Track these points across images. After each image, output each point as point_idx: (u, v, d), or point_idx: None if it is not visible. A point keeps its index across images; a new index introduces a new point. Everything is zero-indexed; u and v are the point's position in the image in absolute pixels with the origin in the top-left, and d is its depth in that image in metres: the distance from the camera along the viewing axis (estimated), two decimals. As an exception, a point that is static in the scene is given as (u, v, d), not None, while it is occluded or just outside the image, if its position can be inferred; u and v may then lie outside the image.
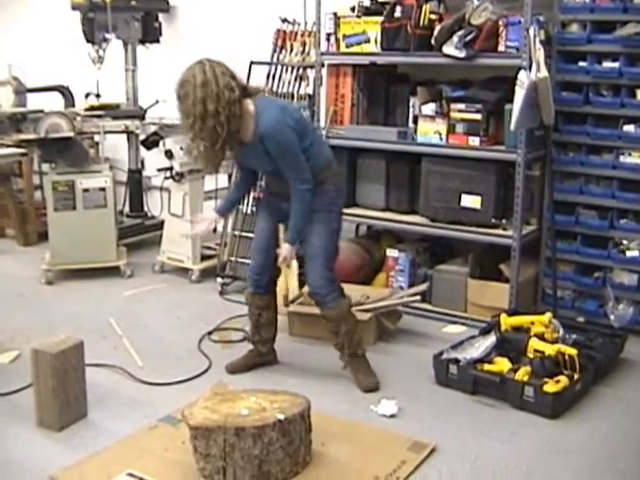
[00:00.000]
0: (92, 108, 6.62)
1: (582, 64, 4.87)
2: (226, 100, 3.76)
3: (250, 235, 5.78)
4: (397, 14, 5.11)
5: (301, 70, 5.76)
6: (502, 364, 4.12)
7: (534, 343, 4.16)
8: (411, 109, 5.34)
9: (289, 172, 3.93)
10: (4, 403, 4.00)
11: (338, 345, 4.27)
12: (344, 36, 5.40)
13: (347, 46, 5.40)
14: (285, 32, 5.89)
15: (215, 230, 4.43)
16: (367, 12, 5.36)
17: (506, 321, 4.44)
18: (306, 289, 5.21)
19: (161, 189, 6.89)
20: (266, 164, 3.99)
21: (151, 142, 6.21)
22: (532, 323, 4.39)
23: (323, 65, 5.58)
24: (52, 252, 5.99)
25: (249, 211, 5.81)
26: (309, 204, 3.96)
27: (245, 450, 3.18)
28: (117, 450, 3.53)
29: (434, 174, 5.18)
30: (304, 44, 5.78)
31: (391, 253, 5.47)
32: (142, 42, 6.82)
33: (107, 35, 6.49)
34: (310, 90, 5.71)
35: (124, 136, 6.84)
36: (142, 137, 6.39)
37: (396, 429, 3.74)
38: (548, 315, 4.41)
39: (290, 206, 3.98)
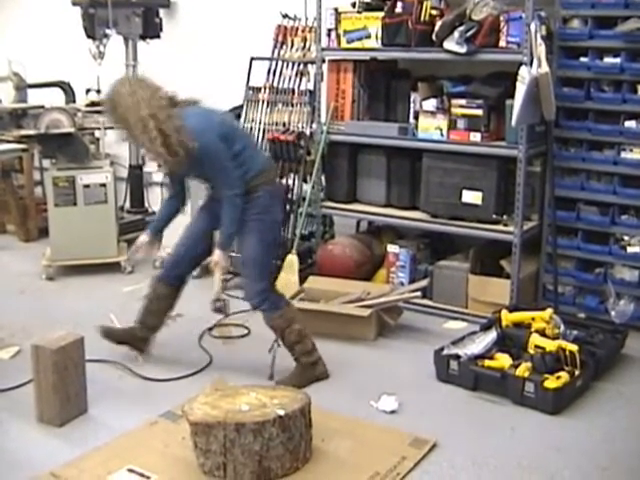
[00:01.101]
0: (93, 104, 6.61)
1: (583, 60, 4.86)
2: (156, 107, 3.79)
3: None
4: (398, 9, 5.10)
5: (302, 66, 5.76)
6: (503, 360, 4.12)
7: (535, 339, 4.15)
8: (412, 105, 5.34)
9: (217, 178, 3.96)
10: (4, 399, 4.00)
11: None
12: (345, 32, 5.39)
13: (348, 42, 5.39)
14: (286, 28, 5.89)
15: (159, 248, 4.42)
16: (368, 7, 5.35)
17: (507, 317, 4.43)
18: (308, 285, 5.24)
19: (162, 185, 6.90)
20: (197, 171, 4.03)
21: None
22: (533, 319, 4.39)
23: (324, 61, 5.57)
24: (53, 248, 5.98)
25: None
26: (239, 210, 3.95)
27: (245, 446, 3.18)
28: (117, 446, 3.53)
29: (435, 170, 5.18)
30: (305, 40, 5.78)
31: (392, 249, 5.46)
32: (143, 38, 6.81)
33: (108, 31, 6.48)
34: (311, 86, 5.71)
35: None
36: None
37: (397, 425, 3.74)
38: (549, 311, 4.40)
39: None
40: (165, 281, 4.36)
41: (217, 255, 4.03)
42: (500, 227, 4.99)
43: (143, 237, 4.32)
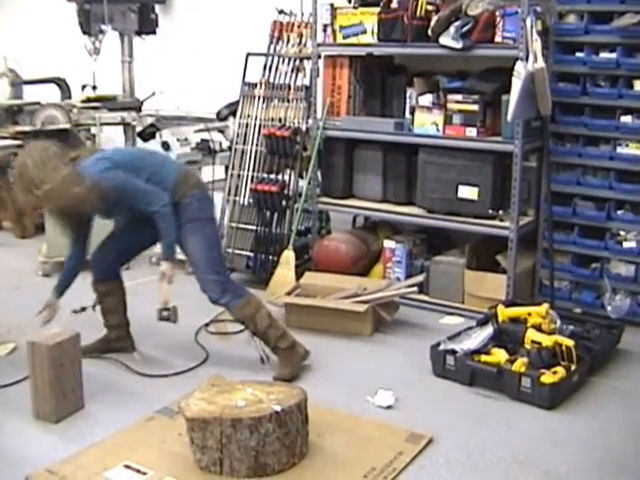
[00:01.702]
0: (88, 100, 6.61)
1: (579, 55, 4.86)
2: (60, 179, 3.81)
3: (248, 227, 5.81)
4: (394, 5, 5.09)
5: (298, 61, 5.75)
6: (499, 355, 4.12)
7: (531, 334, 4.15)
8: (408, 100, 5.33)
9: (141, 204, 3.98)
10: (0, 395, 4.00)
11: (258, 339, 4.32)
12: (341, 27, 5.38)
13: (344, 37, 5.38)
14: (282, 23, 5.88)
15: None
16: (364, 3, 5.34)
17: (503, 312, 4.44)
18: (304, 280, 5.25)
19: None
20: (118, 210, 4.12)
21: (148, 134, 6.21)
22: (529, 314, 4.39)
23: (320, 56, 5.57)
24: (49, 244, 5.97)
25: (246, 203, 5.82)
26: (171, 218, 4.00)
27: (242, 441, 3.18)
28: (114, 442, 3.53)
29: (431, 165, 5.18)
30: (301, 35, 5.77)
31: (388, 244, 5.46)
32: (138, 34, 6.80)
33: (103, 27, 6.47)
34: (307, 81, 5.70)
35: (121, 128, 6.82)
36: (139, 129, 6.38)
37: (393, 420, 3.74)
38: (545, 306, 4.40)
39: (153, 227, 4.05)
40: (99, 278, 4.42)
41: (164, 266, 4.07)
42: (496, 222, 4.99)
43: (49, 301, 4.33)
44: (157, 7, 6.94)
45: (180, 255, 4.21)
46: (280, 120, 5.77)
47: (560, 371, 3.92)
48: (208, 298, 4.19)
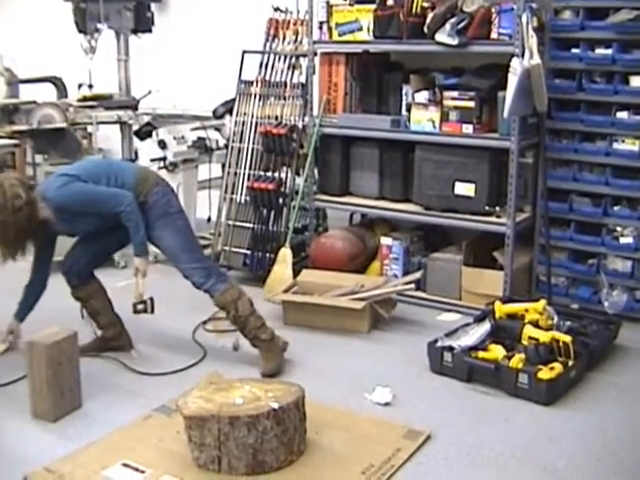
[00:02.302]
0: (85, 99, 6.60)
1: (575, 51, 4.87)
2: (14, 209, 3.88)
3: (245, 225, 5.80)
4: (390, 2, 5.10)
5: (294, 59, 5.75)
6: (496, 351, 4.13)
7: (528, 330, 4.16)
8: (404, 97, 5.34)
9: (107, 207, 4.03)
10: (-2, 394, 4.01)
11: (237, 330, 4.36)
12: (337, 24, 5.38)
13: (340, 34, 5.38)
14: (277, 21, 5.88)
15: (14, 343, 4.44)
16: (359, 0, 5.34)
17: (500, 308, 4.44)
18: (302, 278, 5.24)
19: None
20: (87, 222, 4.15)
21: (144, 132, 6.20)
22: (526, 310, 4.40)
23: (316, 54, 5.57)
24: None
25: (243, 200, 5.81)
26: (138, 216, 4.05)
27: (239, 439, 3.18)
28: (112, 440, 3.53)
29: (428, 162, 5.18)
30: (297, 33, 5.77)
31: (385, 241, 5.47)
32: (134, 32, 6.79)
33: (99, 25, 6.46)
34: (303, 79, 5.70)
35: (117, 127, 6.81)
36: (135, 127, 6.38)
37: (391, 417, 3.75)
38: (542, 302, 4.41)
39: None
40: (75, 285, 4.43)
41: (137, 262, 4.14)
42: (493, 219, 5.00)
43: (10, 326, 4.39)
44: (153, 5, 6.92)
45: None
46: (276, 118, 5.77)
47: (557, 367, 3.92)
48: (192, 284, 4.22)
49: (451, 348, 4.20)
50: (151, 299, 4.23)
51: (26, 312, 4.41)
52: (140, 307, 4.21)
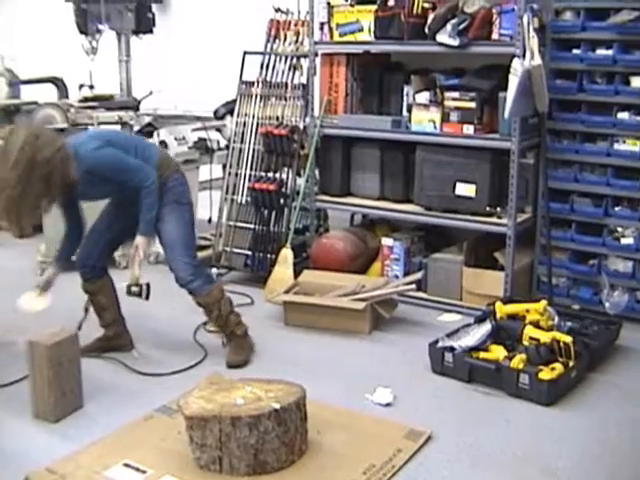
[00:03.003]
0: (86, 99, 6.62)
1: (576, 52, 4.87)
2: (51, 154, 3.72)
3: (246, 225, 5.81)
4: (390, 2, 5.10)
5: (295, 59, 5.75)
6: (497, 352, 4.13)
7: (529, 331, 4.16)
8: (405, 98, 5.35)
9: (130, 180, 4.02)
10: (0, 395, 4.00)
11: (216, 327, 4.44)
12: (337, 25, 5.39)
13: (340, 35, 5.39)
14: (279, 21, 5.88)
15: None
16: (360, 1, 5.35)
17: (501, 309, 4.44)
18: (303, 278, 5.25)
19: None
20: (108, 189, 4.12)
21: (145, 133, 6.21)
22: (527, 311, 4.39)
23: (317, 54, 5.57)
24: (47, 244, 5.98)
25: (244, 201, 5.82)
26: (156, 196, 4.06)
27: (241, 439, 3.18)
28: (113, 441, 3.53)
29: (428, 163, 5.18)
30: (297, 33, 5.77)
31: (386, 242, 5.47)
32: (135, 33, 6.81)
33: (100, 26, 6.49)
34: (304, 79, 5.70)
35: (118, 127, 6.82)
36: (136, 128, 6.38)
37: (392, 417, 3.75)
38: (543, 303, 4.41)
39: (137, 208, 4.09)
40: (88, 278, 4.42)
41: (139, 240, 4.11)
42: (494, 219, 5.00)
43: (47, 277, 4.32)
44: (154, 6, 6.94)
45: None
46: (277, 118, 5.77)
47: (558, 367, 3.93)
48: (176, 279, 4.24)
49: (452, 348, 4.21)
50: (147, 285, 4.19)
51: (65, 260, 4.32)
52: (135, 289, 4.17)
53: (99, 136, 4.12)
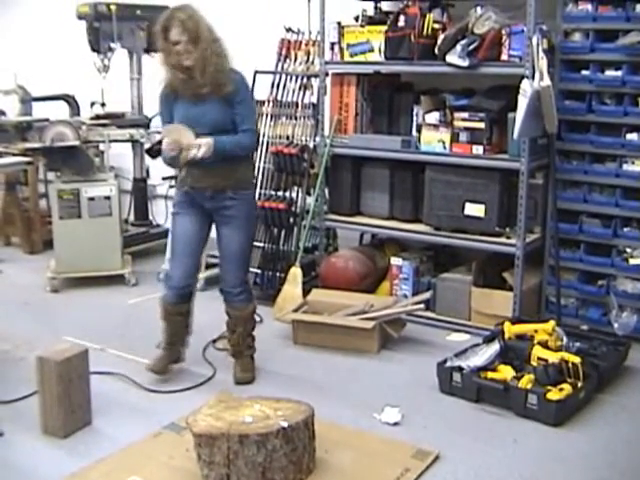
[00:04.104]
0: (97, 117, 6.65)
1: (585, 73, 4.88)
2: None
3: (255, 244, 5.79)
4: (401, 23, 5.13)
5: (305, 79, 5.78)
6: (506, 372, 4.13)
7: (538, 351, 4.16)
8: (415, 118, 5.36)
9: (246, 119, 4.13)
10: (9, 410, 4.01)
11: (231, 342, 4.44)
12: (348, 45, 5.42)
13: (351, 55, 5.42)
14: (289, 41, 5.92)
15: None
16: (371, 21, 5.40)
17: (510, 329, 4.44)
18: (312, 297, 5.25)
19: (166, 197, 6.93)
20: (216, 117, 4.10)
21: (156, 151, 6.16)
22: (536, 331, 4.39)
23: (327, 74, 5.61)
24: (57, 260, 6.01)
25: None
26: (244, 147, 4.14)
27: (249, 457, 3.19)
28: (121, 457, 3.54)
29: (438, 183, 5.20)
30: (308, 53, 5.81)
31: (395, 261, 5.48)
32: (147, 51, 6.84)
33: (112, 44, 6.52)
34: (314, 99, 5.73)
35: (129, 145, 6.87)
36: (147, 146, 6.40)
37: (400, 437, 3.75)
38: (552, 323, 4.41)
39: (213, 205, 4.17)
40: (181, 302, 4.36)
41: (208, 141, 4.00)
42: (503, 239, 5.00)
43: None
44: (166, 25, 6.97)
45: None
46: (288, 137, 5.80)
47: (566, 388, 3.92)
48: (224, 284, 4.32)
49: (460, 368, 4.21)
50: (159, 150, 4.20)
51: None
52: (156, 147, 4.28)
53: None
